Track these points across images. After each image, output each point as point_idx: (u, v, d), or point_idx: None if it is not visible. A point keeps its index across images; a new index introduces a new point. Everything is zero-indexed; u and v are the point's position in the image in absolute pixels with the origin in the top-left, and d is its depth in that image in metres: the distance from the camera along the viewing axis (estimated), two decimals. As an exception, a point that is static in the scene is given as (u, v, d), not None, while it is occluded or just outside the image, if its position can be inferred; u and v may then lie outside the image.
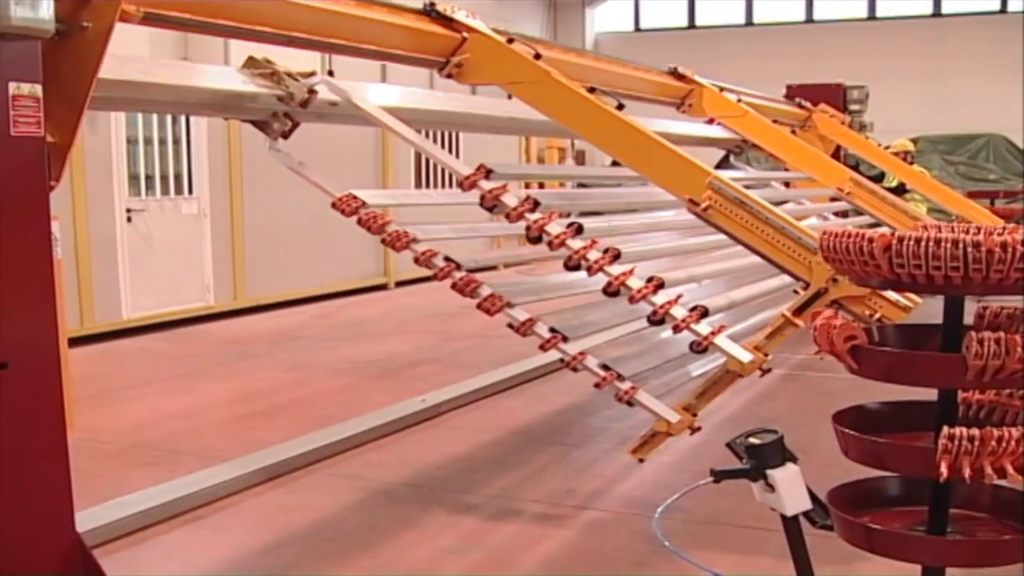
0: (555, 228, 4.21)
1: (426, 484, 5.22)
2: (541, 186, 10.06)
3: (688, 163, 4.46)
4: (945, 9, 23.77)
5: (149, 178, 10.49)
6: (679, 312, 4.24)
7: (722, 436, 2.92)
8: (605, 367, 4.24)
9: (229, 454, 5.47)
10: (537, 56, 4.71)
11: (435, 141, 12.81)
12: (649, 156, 4.53)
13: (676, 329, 4.26)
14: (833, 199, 7.54)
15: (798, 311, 4.33)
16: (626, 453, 4.67)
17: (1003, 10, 23.19)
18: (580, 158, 21.18)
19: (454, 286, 4.13)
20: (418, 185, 14.68)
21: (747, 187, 4.62)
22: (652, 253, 5.15)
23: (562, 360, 4.30)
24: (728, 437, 2.76)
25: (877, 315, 4.19)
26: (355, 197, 4.10)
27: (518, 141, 17.04)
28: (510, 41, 4.78)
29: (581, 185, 10.36)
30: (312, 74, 4.38)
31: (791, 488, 2.65)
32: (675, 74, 7.16)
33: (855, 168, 9.60)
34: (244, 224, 11.47)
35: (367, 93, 4.65)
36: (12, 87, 2.67)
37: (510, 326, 4.21)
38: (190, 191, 10.92)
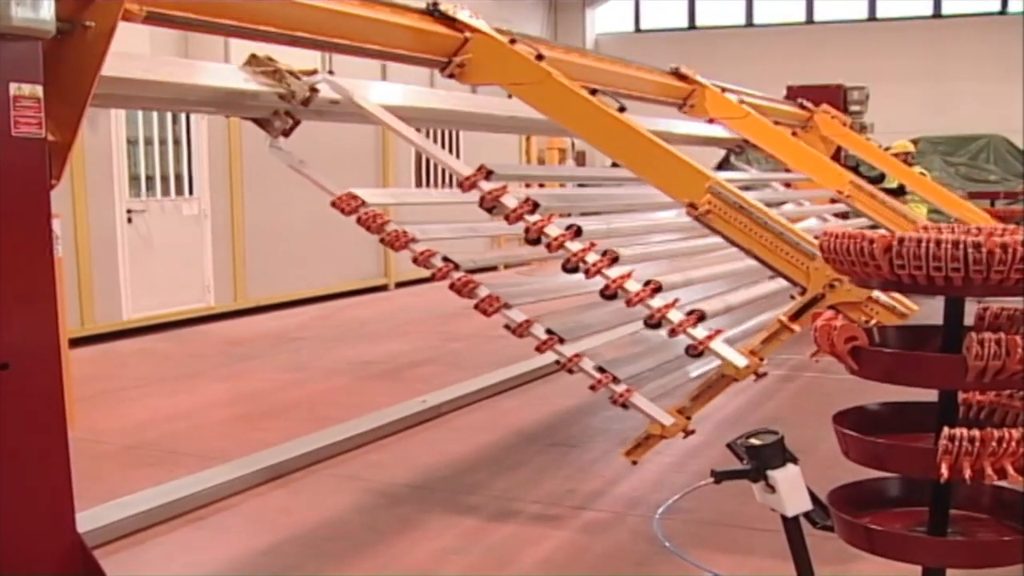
0: (554, 230, 4.21)
1: (427, 485, 5.22)
2: (542, 185, 10.05)
3: (688, 167, 4.46)
4: (945, 10, 23.76)
5: (150, 179, 10.49)
6: (676, 316, 4.24)
7: (722, 436, 2.92)
8: (601, 369, 4.23)
9: (230, 455, 5.48)
10: (539, 57, 4.71)
11: (435, 140, 12.81)
12: (649, 159, 4.53)
13: (672, 333, 4.27)
14: (833, 201, 7.54)
15: (794, 316, 4.34)
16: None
17: (1003, 11, 23.18)
18: (580, 159, 21.18)
19: (452, 286, 4.12)
20: (419, 184, 14.67)
21: (747, 188, 4.63)
22: (651, 255, 5.15)
23: (557, 362, 4.31)
24: (728, 437, 2.76)
25: (873, 321, 4.19)
26: (355, 196, 4.10)
27: (518, 141, 17.04)
28: (512, 42, 4.77)
29: (582, 186, 10.35)
30: (314, 72, 4.38)
31: (792, 489, 2.65)
32: (677, 74, 7.16)
33: (855, 169, 9.61)
34: (245, 225, 11.48)
35: (369, 91, 4.65)
36: (13, 88, 2.67)
37: (507, 327, 4.21)
38: (191, 192, 10.92)
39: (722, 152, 9.98)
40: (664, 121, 7.58)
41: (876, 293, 4.22)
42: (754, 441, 2.67)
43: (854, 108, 11.74)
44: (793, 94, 10.33)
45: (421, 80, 10.79)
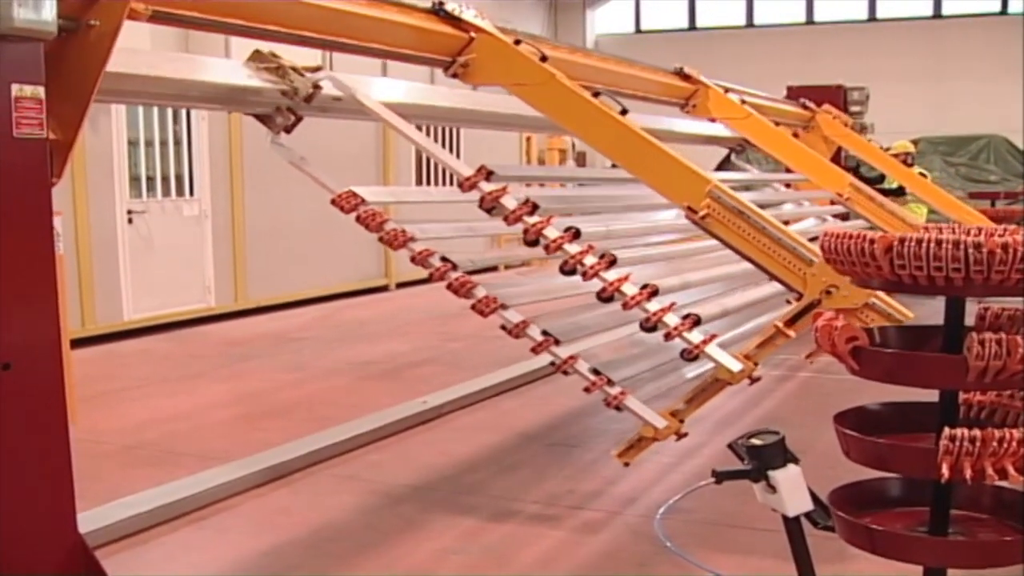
0: (552, 232, 4.20)
1: (427, 485, 5.22)
2: (542, 185, 10.05)
3: (688, 171, 4.46)
4: (945, 10, 23.78)
5: (150, 179, 10.49)
6: (672, 320, 4.23)
7: (722, 436, 2.93)
8: (596, 371, 4.22)
9: (230, 455, 5.48)
10: (543, 58, 4.70)
11: (435, 139, 12.80)
12: (650, 162, 4.52)
13: (668, 337, 4.27)
14: (833, 201, 7.54)
15: (790, 322, 4.34)
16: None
17: (1003, 11, 23.20)
18: (581, 159, 21.18)
19: (449, 286, 4.12)
20: (419, 183, 14.65)
21: (747, 188, 4.62)
22: (648, 258, 5.15)
23: (553, 363, 4.30)
24: (727, 437, 2.76)
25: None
26: (354, 194, 4.08)
27: (519, 140, 17.04)
28: (517, 42, 4.77)
29: (582, 185, 10.35)
30: (318, 69, 4.38)
31: (792, 489, 2.65)
32: (680, 74, 7.15)
33: (856, 170, 9.61)
34: (245, 226, 11.48)
35: (371, 88, 4.64)
36: (15, 89, 2.66)
37: (504, 328, 4.20)
38: (191, 193, 10.91)
39: (724, 150, 9.98)
40: (667, 120, 7.59)
41: (872, 300, 4.23)
42: (755, 441, 2.68)
43: (854, 108, 11.75)
44: (793, 94, 10.33)
45: (421, 76, 10.79)
